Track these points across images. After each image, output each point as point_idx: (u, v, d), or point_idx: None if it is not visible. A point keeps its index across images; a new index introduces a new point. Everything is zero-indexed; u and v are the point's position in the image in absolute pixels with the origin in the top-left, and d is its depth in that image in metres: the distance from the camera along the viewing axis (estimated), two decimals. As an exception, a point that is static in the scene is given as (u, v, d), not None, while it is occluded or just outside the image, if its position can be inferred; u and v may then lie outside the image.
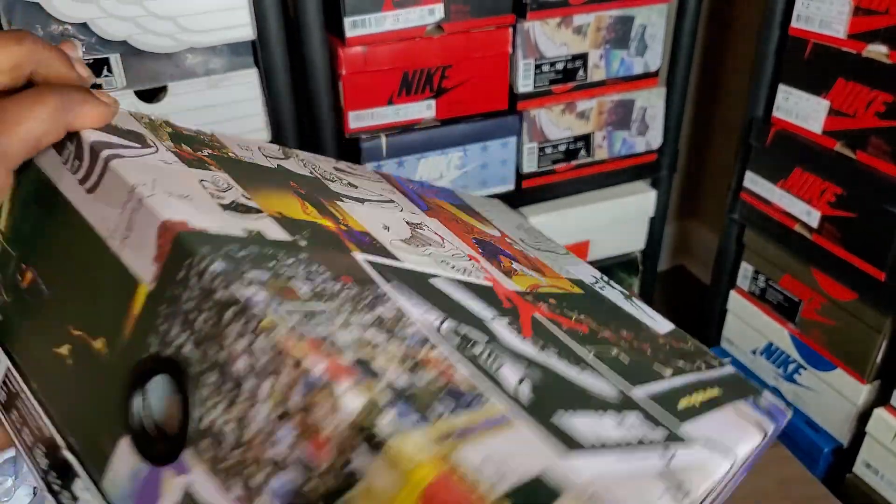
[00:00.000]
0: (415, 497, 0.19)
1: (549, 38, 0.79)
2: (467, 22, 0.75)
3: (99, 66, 0.63)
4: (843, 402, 0.75)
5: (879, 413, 0.70)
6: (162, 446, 0.23)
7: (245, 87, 0.69)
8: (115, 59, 0.63)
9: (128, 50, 0.63)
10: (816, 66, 0.71)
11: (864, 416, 0.73)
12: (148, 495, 0.23)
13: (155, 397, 0.23)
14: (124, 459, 0.24)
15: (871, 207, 0.67)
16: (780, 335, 0.80)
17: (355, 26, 0.70)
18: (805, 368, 0.78)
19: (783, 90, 0.75)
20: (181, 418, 0.22)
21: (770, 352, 0.83)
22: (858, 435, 0.74)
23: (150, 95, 0.66)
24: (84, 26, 0.61)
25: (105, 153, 0.26)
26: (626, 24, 0.83)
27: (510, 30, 0.77)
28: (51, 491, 0.26)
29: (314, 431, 0.20)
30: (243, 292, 0.22)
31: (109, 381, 0.24)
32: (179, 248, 0.23)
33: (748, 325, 0.85)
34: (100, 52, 0.62)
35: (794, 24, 0.73)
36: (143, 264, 0.24)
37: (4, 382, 0.28)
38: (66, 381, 0.26)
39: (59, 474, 0.26)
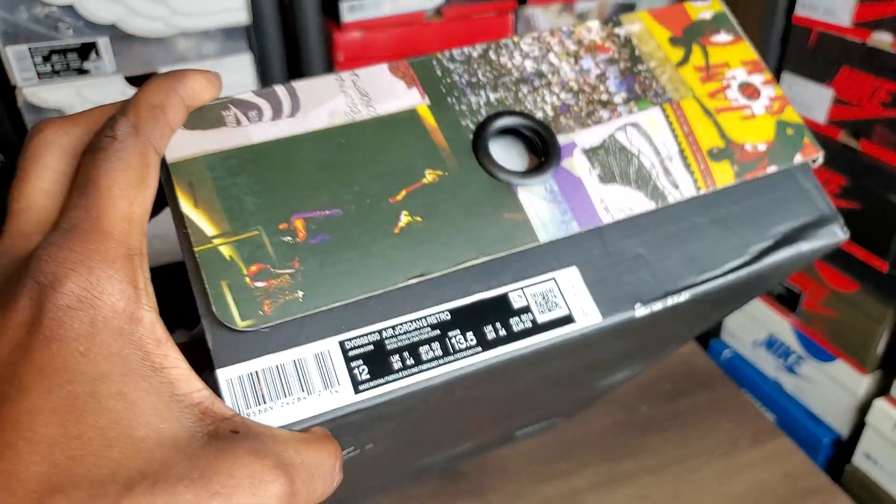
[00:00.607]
0: None
1: (551, 24, 0.78)
2: (467, 7, 0.73)
3: (86, 51, 0.60)
4: (843, 394, 0.74)
5: (879, 403, 0.69)
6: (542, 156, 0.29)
7: (239, 72, 0.66)
8: (103, 44, 0.60)
9: (117, 34, 0.60)
10: (821, 54, 0.70)
11: (864, 408, 0.73)
12: (568, 187, 0.28)
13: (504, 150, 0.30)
14: (534, 202, 0.28)
15: (874, 198, 0.67)
16: (782, 327, 0.80)
17: (352, 10, 0.68)
18: (806, 360, 0.78)
19: (787, 78, 0.75)
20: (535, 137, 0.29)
21: (771, 343, 0.83)
22: (858, 426, 0.74)
23: (142, 81, 0.64)
24: (70, 9, 0.58)
25: (275, 86, 0.28)
26: (628, 11, 0.81)
27: (511, 16, 0.75)
28: None
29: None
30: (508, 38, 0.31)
31: (462, 180, 0.27)
32: (421, 63, 0.29)
33: (749, 317, 0.84)
34: (87, 35, 0.60)
35: (798, 11, 0.72)
36: (402, 101, 0.28)
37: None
38: (426, 238, 0.26)
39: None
